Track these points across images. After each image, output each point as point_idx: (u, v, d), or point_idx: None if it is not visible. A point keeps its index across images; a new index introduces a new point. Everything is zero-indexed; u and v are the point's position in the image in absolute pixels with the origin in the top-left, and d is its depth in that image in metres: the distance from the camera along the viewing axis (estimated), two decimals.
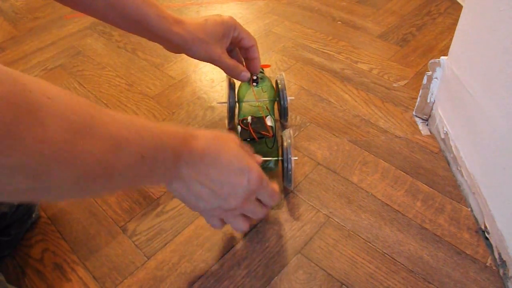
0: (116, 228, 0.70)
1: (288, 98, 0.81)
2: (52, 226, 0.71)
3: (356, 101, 0.93)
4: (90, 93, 1.00)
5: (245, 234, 0.67)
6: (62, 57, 1.14)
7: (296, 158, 0.77)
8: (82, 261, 0.65)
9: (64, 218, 0.72)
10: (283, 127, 0.86)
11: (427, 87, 0.82)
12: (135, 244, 0.67)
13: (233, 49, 0.73)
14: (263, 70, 0.89)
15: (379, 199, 0.72)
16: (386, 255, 0.64)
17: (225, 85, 0.99)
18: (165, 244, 0.67)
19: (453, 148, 0.75)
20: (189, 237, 0.68)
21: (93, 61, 1.11)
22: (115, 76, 1.05)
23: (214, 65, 0.69)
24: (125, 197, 0.75)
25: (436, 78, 0.80)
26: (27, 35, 1.25)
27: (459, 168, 0.73)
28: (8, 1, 1.48)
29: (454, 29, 0.74)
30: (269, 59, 1.07)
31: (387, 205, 0.71)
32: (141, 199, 0.74)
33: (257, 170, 0.48)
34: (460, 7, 1.23)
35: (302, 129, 0.86)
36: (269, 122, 0.73)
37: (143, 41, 1.18)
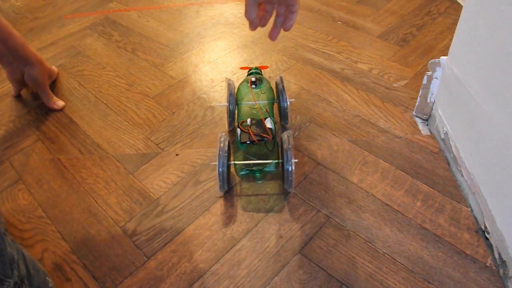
0: (116, 228, 0.70)
1: (288, 100, 0.81)
2: (52, 226, 0.71)
3: (356, 101, 0.93)
4: (90, 93, 1.00)
5: (245, 234, 0.67)
6: (62, 57, 1.14)
7: (296, 160, 0.77)
8: (82, 261, 0.65)
9: (64, 218, 0.72)
10: (284, 128, 0.86)
11: (427, 87, 0.82)
12: (135, 244, 0.67)
13: None
14: (261, 71, 0.89)
15: (379, 199, 0.72)
16: (386, 255, 0.64)
17: (224, 85, 0.99)
18: (165, 244, 0.67)
19: (453, 148, 0.75)
20: (189, 237, 0.68)
21: (93, 61, 1.11)
22: (115, 76, 1.05)
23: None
24: (125, 197, 0.75)
25: (436, 78, 0.80)
26: (27, 35, 1.25)
27: (459, 168, 0.73)
28: (8, 1, 1.48)
29: (454, 29, 0.74)
30: (269, 59, 1.07)
31: (387, 205, 0.71)
32: (141, 199, 0.74)
33: None
34: (460, 7, 1.23)
35: (302, 129, 0.86)
36: (268, 124, 0.73)
37: (143, 41, 1.19)
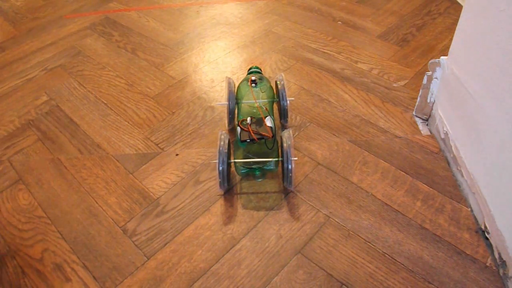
0: (116, 228, 0.70)
1: (288, 99, 0.81)
2: (52, 226, 0.71)
3: (356, 101, 0.93)
4: (90, 93, 1.00)
5: (245, 234, 0.67)
6: (62, 57, 1.14)
7: (296, 158, 0.77)
8: (82, 261, 0.65)
9: (64, 218, 0.72)
10: (283, 127, 0.86)
11: (427, 87, 0.82)
12: (135, 244, 0.67)
13: None
14: (261, 70, 0.89)
15: (379, 199, 0.72)
16: (386, 255, 0.64)
17: (225, 85, 0.99)
18: (165, 244, 0.67)
19: (453, 148, 0.75)
20: (189, 237, 0.68)
21: (93, 61, 1.11)
22: (115, 76, 1.05)
23: None
24: (125, 197, 0.75)
25: (436, 78, 0.80)
26: (27, 35, 1.25)
27: (459, 168, 0.73)
28: (8, 1, 1.48)
29: (454, 29, 0.74)
30: (269, 59, 1.07)
31: (387, 205, 0.71)
32: (141, 199, 0.74)
33: None
34: (460, 7, 1.23)
35: (302, 129, 0.86)
36: (268, 122, 0.73)
37: (143, 41, 1.19)
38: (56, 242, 0.68)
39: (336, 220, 0.69)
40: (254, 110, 0.77)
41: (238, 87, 0.83)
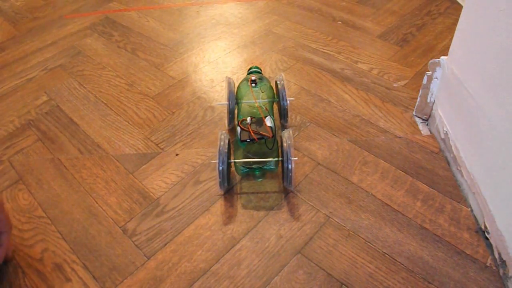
0: (116, 228, 0.70)
1: (288, 99, 0.81)
2: (52, 226, 0.71)
3: (356, 101, 0.93)
4: (90, 93, 1.00)
5: (245, 234, 0.67)
6: (62, 57, 1.14)
7: (296, 158, 0.77)
8: (82, 261, 0.65)
9: (64, 218, 0.72)
10: (283, 127, 0.86)
11: (427, 87, 0.82)
12: (135, 244, 0.67)
13: None
14: (261, 70, 0.89)
15: (379, 199, 0.72)
16: (386, 255, 0.64)
17: (225, 85, 0.99)
18: (165, 244, 0.67)
19: (453, 148, 0.75)
20: (189, 237, 0.68)
21: (93, 61, 1.11)
22: (115, 76, 1.05)
23: None
24: (125, 197, 0.75)
25: (436, 78, 0.80)
26: (27, 35, 1.25)
27: (459, 168, 0.73)
28: (8, 1, 1.48)
29: (454, 29, 0.74)
30: (269, 59, 1.07)
31: (387, 205, 0.71)
32: (141, 199, 0.74)
33: None
34: (460, 7, 1.24)
35: (302, 129, 0.86)
36: (268, 122, 0.73)
37: (143, 41, 1.19)
38: (56, 242, 0.68)
39: (336, 220, 0.69)
40: (254, 110, 0.77)
41: (238, 87, 0.83)
